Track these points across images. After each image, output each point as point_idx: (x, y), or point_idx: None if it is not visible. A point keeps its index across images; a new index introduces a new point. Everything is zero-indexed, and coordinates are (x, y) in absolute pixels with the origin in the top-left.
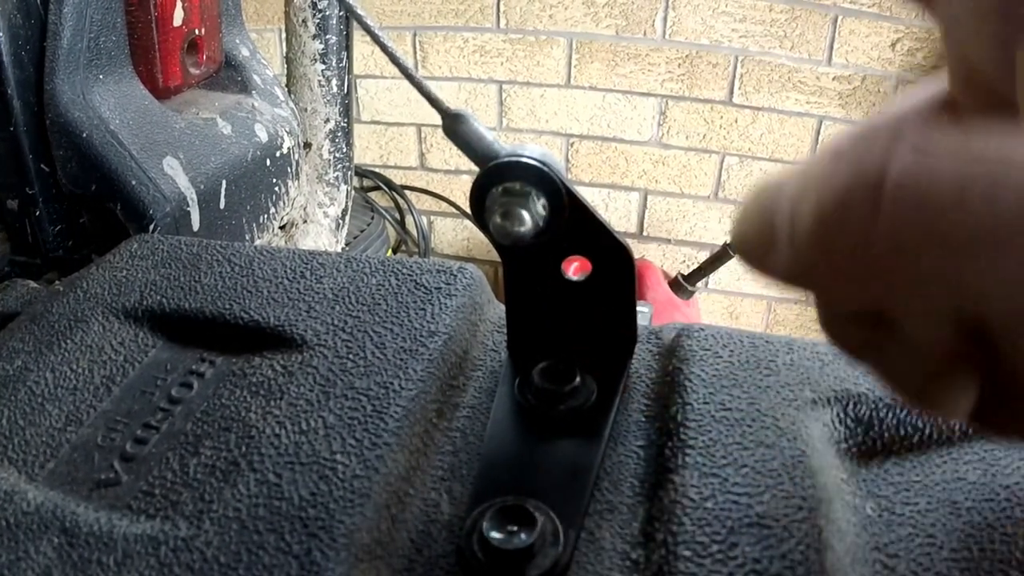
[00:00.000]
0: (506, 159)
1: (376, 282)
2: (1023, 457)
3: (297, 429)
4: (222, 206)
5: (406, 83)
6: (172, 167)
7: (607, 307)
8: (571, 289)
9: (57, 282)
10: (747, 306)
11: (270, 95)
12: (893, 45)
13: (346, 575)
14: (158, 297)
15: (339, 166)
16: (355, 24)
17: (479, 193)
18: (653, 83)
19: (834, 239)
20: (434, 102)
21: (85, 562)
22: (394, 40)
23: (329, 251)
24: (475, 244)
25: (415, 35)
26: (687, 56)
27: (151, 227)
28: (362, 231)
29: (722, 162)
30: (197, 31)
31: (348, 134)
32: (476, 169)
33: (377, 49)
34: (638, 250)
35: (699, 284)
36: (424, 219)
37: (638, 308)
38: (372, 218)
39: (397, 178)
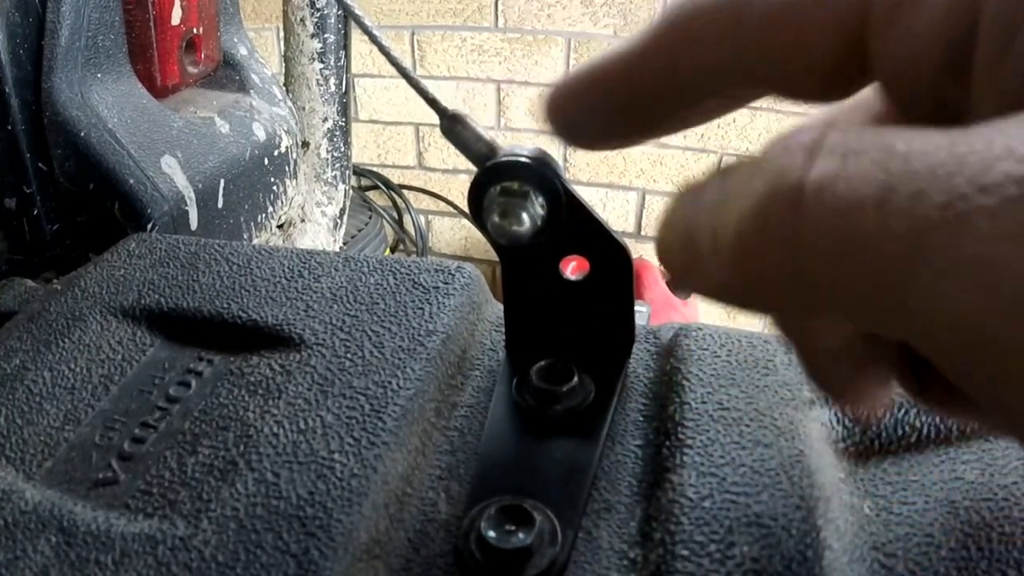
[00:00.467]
0: (504, 158)
1: (374, 281)
2: (1021, 457)
3: (295, 428)
4: (220, 205)
5: (404, 82)
6: (170, 166)
7: (605, 307)
8: (569, 289)
9: (55, 281)
10: None
11: (268, 94)
12: None
13: (344, 574)
14: (156, 296)
15: (337, 165)
16: (353, 23)
17: (477, 192)
18: None
19: (756, 252)
20: (431, 102)
21: (83, 561)
22: (392, 39)
23: (327, 250)
24: (473, 243)
25: (413, 34)
26: None
27: (149, 226)
28: (360, 230)
29: (720, 161)
30: (195, 30)
31: (346, 133)
32: (474, 168)
33: (375, 48)
34: (636, 249)
35: None
36: (422, 218)
37: (636, 308)
38: (370, 217)
39: (395, 177)
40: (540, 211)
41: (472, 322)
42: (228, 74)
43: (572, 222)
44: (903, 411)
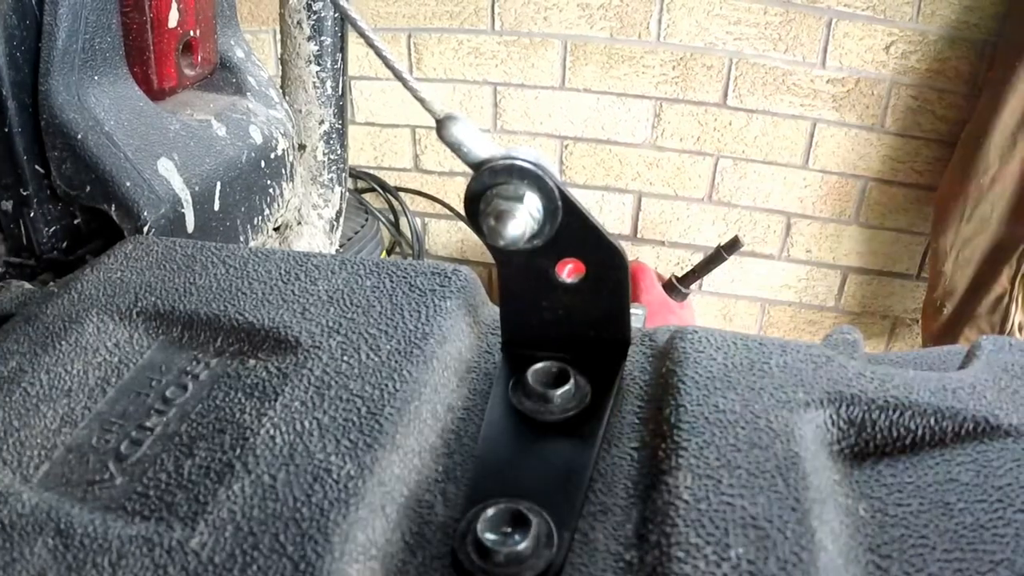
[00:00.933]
0: (500, 162)
1: (370, 284)
2: (1016, 459)
3: (291, 431)
4: (216, 208)
5: (401, 85)
6: (167, 169)
7: (601, 309)
8: (565, 291)
9: (52, 283)
10: (741, 308)
11: (265, 97)
12: (887, 48)
13: None
14: (153, 299)
15: (334, 168)
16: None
17: (473, 196)
18: (647, 85)
19: None
20: (427, 105)
21: (80, 563)
22: (389, 42)
23: (323, 253)
24: (469, 246)
25: (410, 36)
26: (681, 58)
27: (146, 229)
28: (356, 233)
29: (716, 164)
30: (192, 32)
31: (343, 136)
32: (471, 171)
33: (371, 51)
34: (632, 252)
35: (693, 286)
36: (418, 221)
37: (633, 311)
38: (366, 220)
39: (391, 180)
40: (536, 214)
41: (468, 325)
42: (225, 77)
43: (568, 225)
44: (898, 413)
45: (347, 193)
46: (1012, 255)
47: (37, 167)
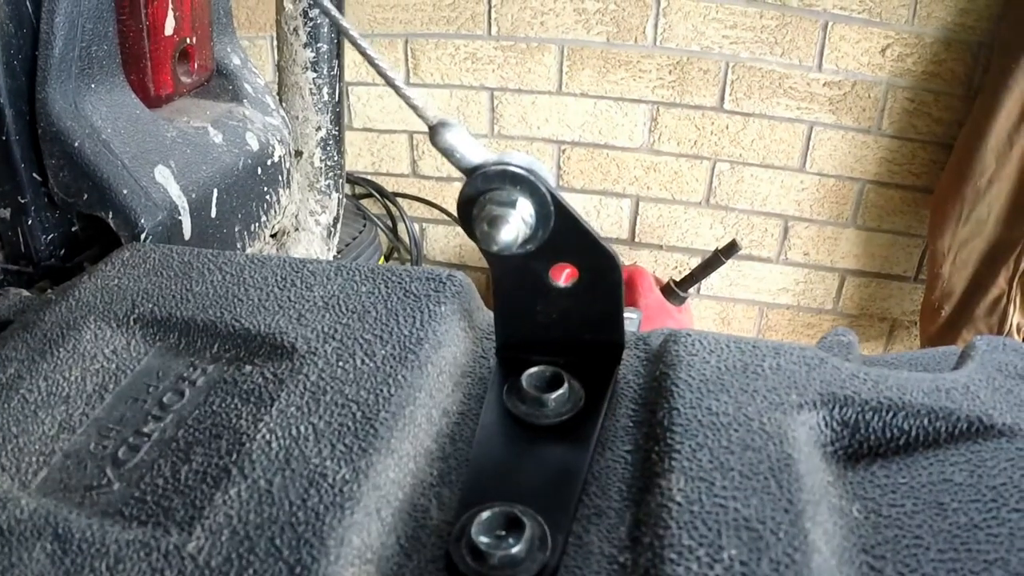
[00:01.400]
0: (493, 168)
1: (366, 290)
2: (1009, 458)
3: (287, 436)
4: (213, 215)
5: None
6: (164, 176)
7: (595, 313)
8: (559, 295)
9: (49, 291)
10: (739, 311)
11: (261, 103)
12: (883, 51)
13: None
14: (150, 305)
15: (331, 174)
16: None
17: (466, 201)
18: (644, 89)
19: None
20: (419, 112)
21: (78, 568)
22: (385, 47)
23: (320, 259)
24: (467, 251)
25: (407, 42)
26: (678, 62)
27: (143, 236)
28: (354, 238)
29: (713, 168)
30: (188, 40)
31: (340, 142)
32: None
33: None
34: (629, 256)
35: (691, 290)
36: (416, 226)
37: (628, 315)
38: (364, 225)
39: (389, 185)
40: (528, 219)
41: (463, 330)
42: (221, 84)
43: (561, 230)
44: (892, 414)
45: (344, 199)
46: (1009, 256)
47: (34, 175)
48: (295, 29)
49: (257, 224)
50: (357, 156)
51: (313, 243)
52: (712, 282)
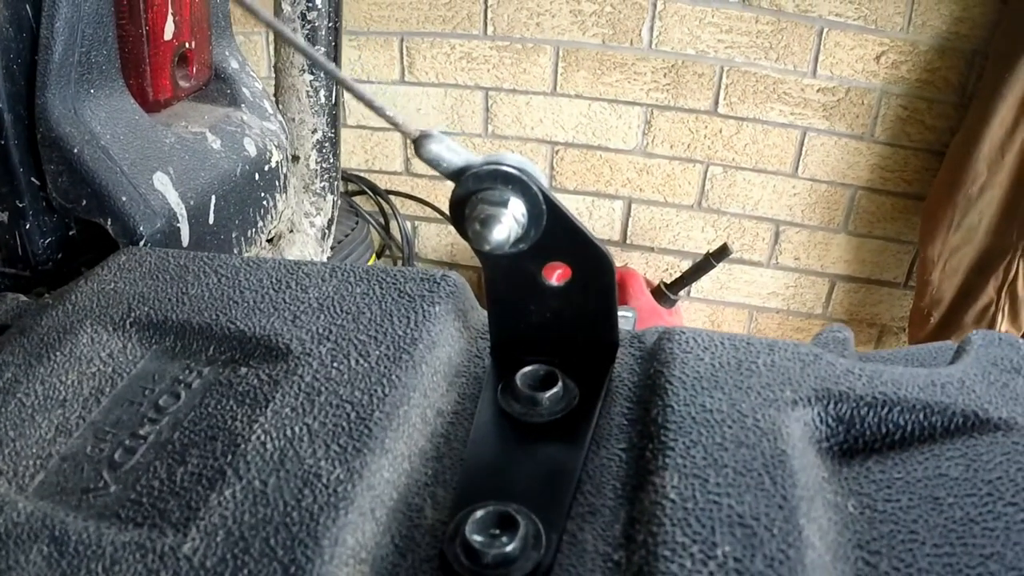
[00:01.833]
0: (484, 167)
1: (360, 291)
2: (1005, 452)
3: (282, 437)
4: (211, 221)
5: (392, 89)
6: (162, 182)
7: (588, 312)
8: (552, 295)
9: (47, 295)
10: (729, 315)
11: (259, 108)
12: (878, 58)
13: None
14: (146, 309)
15: (326, 176)
16: (343, 33)
17: (458, 201)
18: (639, 92)
19: None
20: (401, 127)
21: (74, 570)
22: (381, 45)
23: (314, 261)
24: (459, 249)
25: (402, 40)
26: (673, 66)
27: (141, 243)
28: (347, 236)
29: (706, 172)
30: (187, 44)
31: (335, 145)
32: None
33: (363, 55)
34: (621, 258)
35: (682, 293)
36: (408, 224)
37: (623, 313)
38: (356, 223)
39: (382, 183)
40: (520, 219)
41: (457, 330)
42: (219, 88)
43: (553, 229)
44: (887, 410)
45: (339, 201)
46: (999, 265)
47: (33, 179)
48: (292, 31)
49: (254, 230)
50: (351, 153)
51: (308, 245)
52: (703, 285)
